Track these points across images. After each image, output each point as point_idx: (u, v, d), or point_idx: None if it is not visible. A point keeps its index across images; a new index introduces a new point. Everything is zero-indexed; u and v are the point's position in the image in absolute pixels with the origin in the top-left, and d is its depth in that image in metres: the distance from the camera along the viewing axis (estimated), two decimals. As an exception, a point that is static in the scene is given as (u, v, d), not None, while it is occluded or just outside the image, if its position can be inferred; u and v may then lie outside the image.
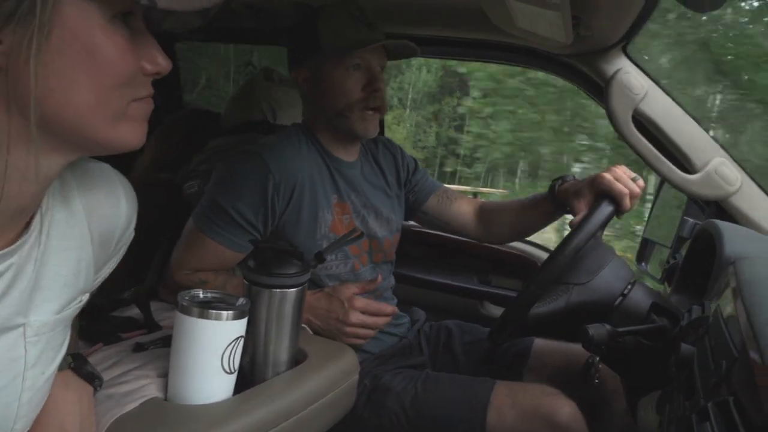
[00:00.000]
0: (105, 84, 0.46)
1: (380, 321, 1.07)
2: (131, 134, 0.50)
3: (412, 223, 1.42)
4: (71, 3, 0.43)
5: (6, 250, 0.50)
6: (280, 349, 0.87)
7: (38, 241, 0.53)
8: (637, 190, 1.05)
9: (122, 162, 0.63)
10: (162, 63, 0.50)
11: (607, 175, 1.05)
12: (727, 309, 0.62)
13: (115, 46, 0.46)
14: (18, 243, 0.51)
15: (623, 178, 1.05)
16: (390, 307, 1.09)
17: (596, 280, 0.99)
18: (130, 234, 0.66)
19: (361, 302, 1.05)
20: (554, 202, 1.21)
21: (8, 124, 0.45)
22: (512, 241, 1.56)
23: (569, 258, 0.96)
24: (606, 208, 1.02)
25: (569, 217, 1.16)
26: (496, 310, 1.71)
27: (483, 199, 1.42)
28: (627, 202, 1.04)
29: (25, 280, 0.52)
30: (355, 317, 1.04)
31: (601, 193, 1.06)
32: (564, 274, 0.98)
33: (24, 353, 0.53)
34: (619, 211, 1.04)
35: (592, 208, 1.04)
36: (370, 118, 1.15)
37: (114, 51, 0.46)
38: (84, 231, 0.59)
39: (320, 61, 1.13)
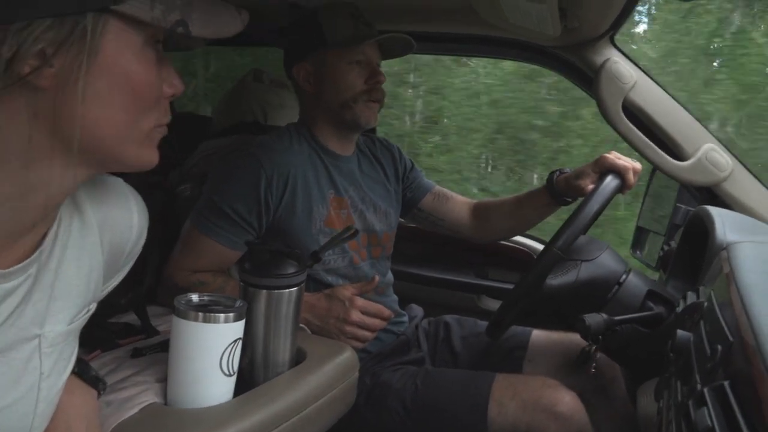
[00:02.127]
0: (138, 106, 0.49)
1: (378, 323, 1.07)
2: (151, 156, 0.53)
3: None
4: (113, 29, 0.46)
5: (25, 262, 0.50)
6: (279, 350, 0.87)
7: (53, 252, 0.54)
8: (638, 166, 1.14)
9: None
10: (179, 85, 0.53)
11: (609, 155, 1.14)
12: (722, 294, 0.63)
13: (147, 69, 0.49)
14: (36, 254, 0.52)
15: (622, 157, 1.14)
16: (387, 311, 1.10)
17: (602, 257, 1.04)
18: (140, 247, 0.66)
19: (361, 302, 1.06)
20: (552, 194, 1.23)
21: (50, 141, 0.47)
22: (508, 237, 1.56)
23: (582, 228, 1.02)
24: (612, 182, 1.09)
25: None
26: (494, 304, 1.71)
27: (478, 199, 1.43)
28: (631, 176, 1.12)
29: (41, 290, 0.53)
30: (356, 316, 1.04)
31: (605, 170, 1.13)
32: (571, 252, 1.01)
33: (39, 364, 0.54)
34: (624, 185, 1.11)
35: (599, 183, 1.10)
36: (372, 107, 1.19)
37: (146, 75, 0.49)
38: (95, 241, 0.59)
39: (324, 56, 1.17)
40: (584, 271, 1.03)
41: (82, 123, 0.47)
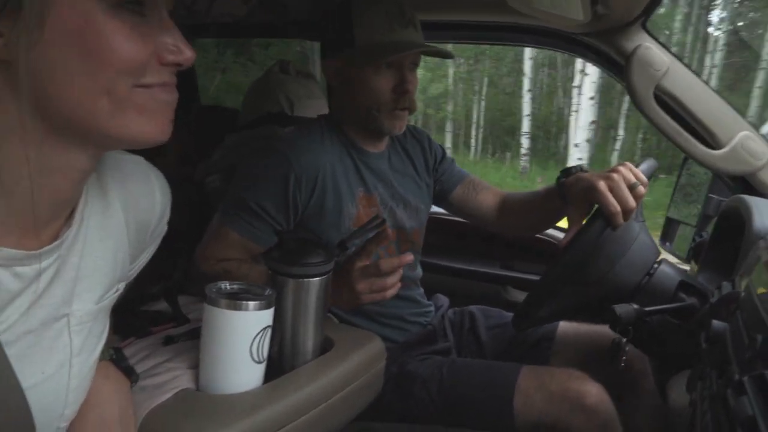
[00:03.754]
0: (104, 73, 0.45)
1: (390, 280, 1.00)
2: (144, 125, 0.48)
3: (433, 210, 1.41)
4: None
5: (53, 244, 0.52)
6: (307, 338, 0.88)
7: (79, 232, 0.55)
8: (631, 204, 0.95)
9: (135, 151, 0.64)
10: (185, 51, 0.49)
11: (602, 187, 0.96)
12: (760, 284, 0.61)
13: (116, 33, 0.45)
14: (63, 237, 0.53)
15: (618, 189, 0.95)
16: (394, 261, 0.99)
17: (610, 275, 0.95)
18: (164, 225, 0.67)
19: (359, 269, 0.99)
20: (562, 197, 1.15)
21: (18, 117, 0.45)
22: (528, 234, 1.53)
23: (559, 282, 0.95)
24: (598, 227, 0.95)
25: None
26: (520, 295, 1.70)
27: (508, 191, 1.38)
28: (618, 220, 0.95)
29: (68, 271, 0.54)
30: (361, 285, 0.99)
31: (595, 203, 0.99)
32: (572, 275, 0.95)
33: (69, 342, 0.55)
34: (611, 226, 0.96)
35: (586, 224, 0.99)
36: (399, 116, 1.14)
37: (114, 39, 0.45)
38: (120, 221, 0.60)
39: (352, 57, 1.11)
40: (587, 293, 0.97)
41: (47, 95, 0.44)
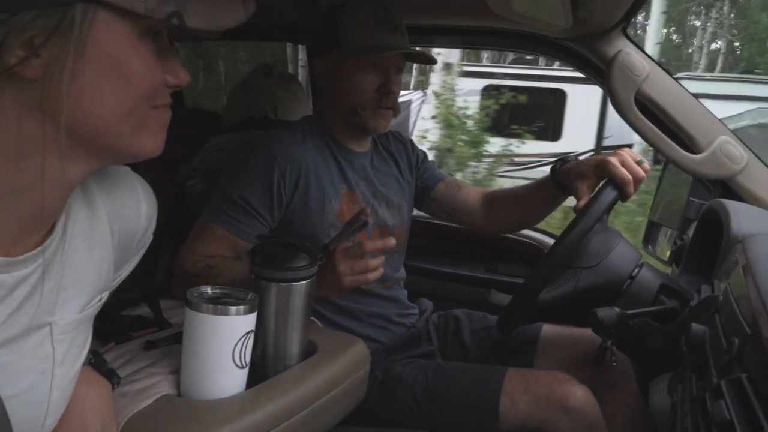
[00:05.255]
0: (131, 96, 0.49)
1: (375, 262, 0.99)
2: (151, 142, 0.53)
3: (417, 213, 1.42)
4: (104, 20, 0.46)
5: (34, 252, 0.51)
6: (291, 343, 0.87)
7: (62, 242, 0.55)
8: (641, 174, 1.05)
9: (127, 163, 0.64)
10: (183, 77, 0.53)
11: (613, 160, 1.05)
12: (738, 287, 0.62)
13: (143, 61, 0.49)
14: (44, 245, 0.52)
15: (628, 162, 1.05)
16: (376, 243, 0.99)
17: (604, 263, 0.99)
18: (150, 236, 0.67)
19: (341, 252, 0.98)
20: (557, 184, 1.20)
21: (43, 133, 0.47)
22: (518, 229, 1.56)
23: (574, 243, 0.97)
24: (610, 193, 1.02)
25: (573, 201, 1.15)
26: (504, 298, 1.71)
27: (490, 189, 1.41)
28: (630, 188, 1.04)
29: (50, 279, 0.54)
30: (343, 266, 0.97)
31: (605, 177, 1.06)
32: (571, 258, 0.98)
33: (52, 351, 0.55)
34: (622, 195, 1.04)
35: (596, 193, 1.04)
36: (383, 114, 1.18)
37: (141, 66, 0.49)
38: (105, 231, 0.60)
39: (339, 57, 1.15)
40: (584, 279, 1.00)
41: (70, 114, 0.47)
